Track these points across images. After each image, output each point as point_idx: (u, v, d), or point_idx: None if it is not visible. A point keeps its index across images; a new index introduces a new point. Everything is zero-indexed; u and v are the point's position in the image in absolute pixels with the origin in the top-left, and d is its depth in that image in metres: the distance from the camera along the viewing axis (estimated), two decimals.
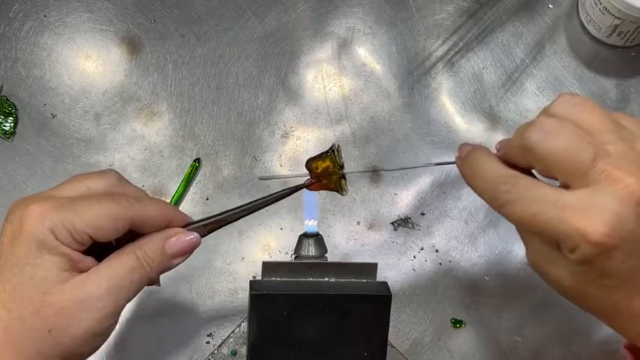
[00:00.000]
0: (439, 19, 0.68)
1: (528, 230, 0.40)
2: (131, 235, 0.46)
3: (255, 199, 0.49)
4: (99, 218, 0.43)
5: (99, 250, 0.45)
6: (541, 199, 0.39)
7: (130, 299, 0.45)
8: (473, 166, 0.43)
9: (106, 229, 0.43)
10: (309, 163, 0.51)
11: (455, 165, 0.46)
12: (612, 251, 0.37)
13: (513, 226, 0.42)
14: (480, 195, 0.43)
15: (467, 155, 0.44)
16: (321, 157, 0.50)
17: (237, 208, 0.49)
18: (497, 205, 0.41)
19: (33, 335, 0.42)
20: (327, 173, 0.50)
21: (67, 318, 0.42)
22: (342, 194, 0.51)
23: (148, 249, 0.45)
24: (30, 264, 0.42)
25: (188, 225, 0.48)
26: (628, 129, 0.40)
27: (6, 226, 0.44)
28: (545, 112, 0.41)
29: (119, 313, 0.44)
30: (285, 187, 0.50)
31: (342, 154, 0.51)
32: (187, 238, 0.47)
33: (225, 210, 0.49)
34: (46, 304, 0.42)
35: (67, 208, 0.43)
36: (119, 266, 0.44)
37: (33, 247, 0.42)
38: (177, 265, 0.47)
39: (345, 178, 0.51)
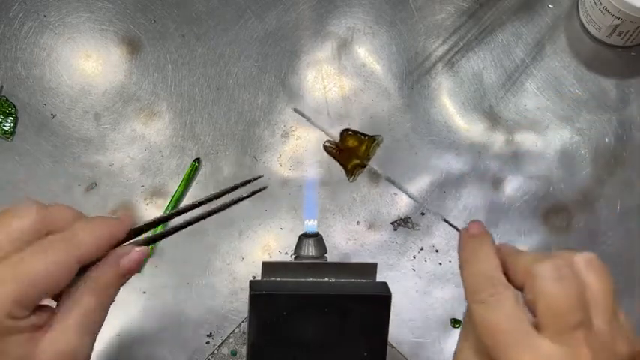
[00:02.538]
0: (439, 19, 0.68)
1: (483, 337, 0.40)
2: None
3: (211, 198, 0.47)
4: (46, 276, 0.39)
5: None
6: (515, 324, 0.39)
7: (101, 328, 0.43)
8: (475, 252, 0.43)
9: (58, 283, 0.40)
10: (345, 133, 0.49)
11: (457, 224, 0.46)
12: None
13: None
14: (464, 277, 0.43)
15: (476, 236, 0.44)
16: (360, 136, 0.49)
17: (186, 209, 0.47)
18: (476, 298, 0.41)
19: None
20: (353, 152, 0.49)
21: None
22: (349, 179, 0.51)
23: (102, 280, 0.42)
24: None
25: (134, 233, 0.45)
26: (620, 319, 0.41)
27: None
28: (567, 257, 0.41)
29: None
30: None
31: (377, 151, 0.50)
32: (138, 253, 0.44)
33: (169, 214, 0.47)
34: None
35: (11, 281, 0.38)
36: (81, 314, 0.41)
37: None
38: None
39: (362, 169, 0.50)
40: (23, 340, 0.39)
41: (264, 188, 0.50)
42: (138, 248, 0.44)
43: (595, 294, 0.40)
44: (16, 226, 0.40)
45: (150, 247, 0.45)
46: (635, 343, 0.41)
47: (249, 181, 0.50)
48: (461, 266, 0.44)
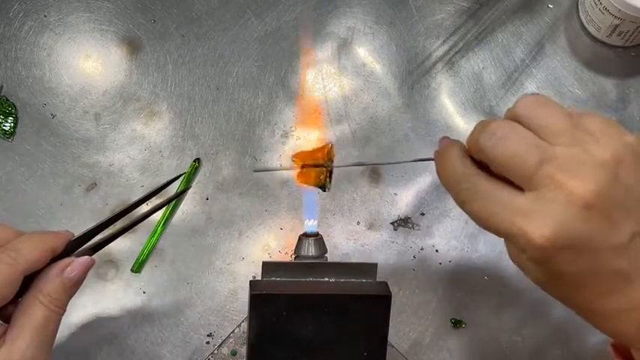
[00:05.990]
0: (439, 19, 0.68)
1: (488, 228, 0.41)
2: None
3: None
4: None
5: None
6: (497, 200, 0.39)
7: (54, 339, 0.44)
8: (444, 161, 0.44)
9: (4, 295, 0.42)
10: (298, 156, 0.51)
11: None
12: (557, 255, 0.38)
13: None
14: (447, 190, 0.43)
15: (441, 150, 0.45)
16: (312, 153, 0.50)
17: (114, 218, 0.50)
18: (459, 202, 0.42)
19: None
20: (314, 164, 0.50)
21: None
22: (325, 191, 0.51)
23: (49, 291, 0.43)
24: None
25: (72, 244, 0.47)
26: (584, 129, 0.39)
27: None
28: (507, 113, 0.41)
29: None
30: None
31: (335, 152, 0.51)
32: (81, 263, 0.45)
33: (107, 219, 0.50)
34: None
35: None
36: (32, 326, 0.42)
37: None
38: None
39: (330, 176, 0.51)
40: None
41: (187, 189, 0.60)
42: (79, 259, 0.46)
43: (545, 123, 0.39)
44: None
45: (93, 256, 0.47)
46: (618, 137, 0.39)
47: (179, 177, 0.57)
48: (441, 183, 0.44)
